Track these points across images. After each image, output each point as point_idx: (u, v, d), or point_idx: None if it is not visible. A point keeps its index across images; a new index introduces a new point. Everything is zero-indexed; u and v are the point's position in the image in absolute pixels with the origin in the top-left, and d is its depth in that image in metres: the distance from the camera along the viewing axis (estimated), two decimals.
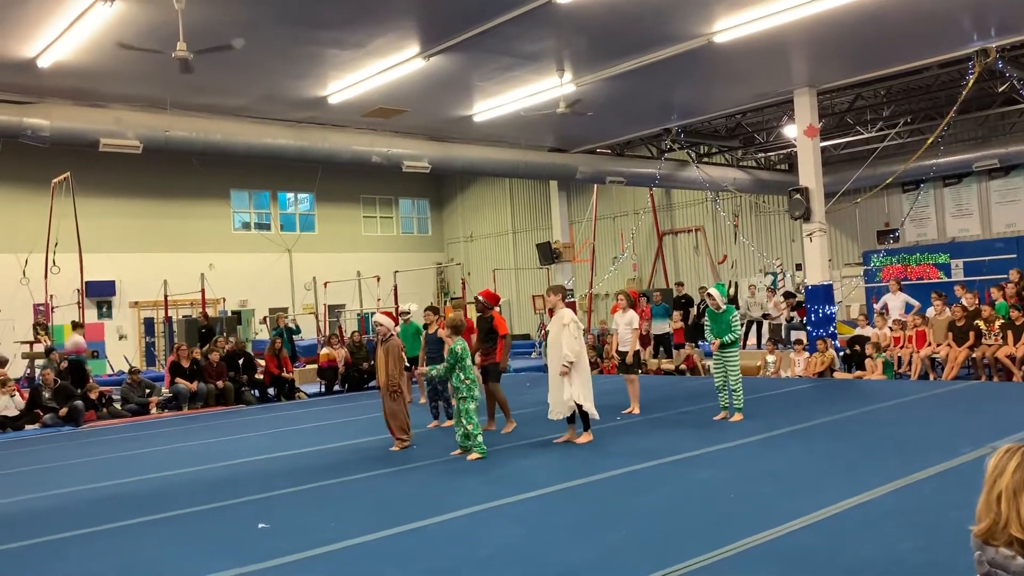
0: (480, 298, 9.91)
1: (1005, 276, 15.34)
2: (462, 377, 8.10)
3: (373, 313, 23.50)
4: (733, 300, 15.62)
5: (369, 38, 11.37)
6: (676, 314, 18.02)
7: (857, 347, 14.17)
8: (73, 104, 12.99)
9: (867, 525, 4.94)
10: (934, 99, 17.48)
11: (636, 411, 10.43)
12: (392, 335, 9.04)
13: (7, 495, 7.63)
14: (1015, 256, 18.29)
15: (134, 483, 7.93)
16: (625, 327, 10.54)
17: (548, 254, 21.76)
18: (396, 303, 22.19)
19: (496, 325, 9.63)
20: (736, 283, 22.35)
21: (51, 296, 17.80)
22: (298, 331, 18.85)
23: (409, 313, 12.90)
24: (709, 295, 9.56)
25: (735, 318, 9.41)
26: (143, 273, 23.91)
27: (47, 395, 13.54)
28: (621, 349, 10.63)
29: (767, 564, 4.34)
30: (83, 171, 18.68)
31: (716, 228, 24.80)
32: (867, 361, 13.64)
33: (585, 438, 8.44)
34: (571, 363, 8.16)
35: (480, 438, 8.04)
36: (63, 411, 13.24)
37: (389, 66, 12.50)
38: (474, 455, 7.91)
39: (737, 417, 9.35)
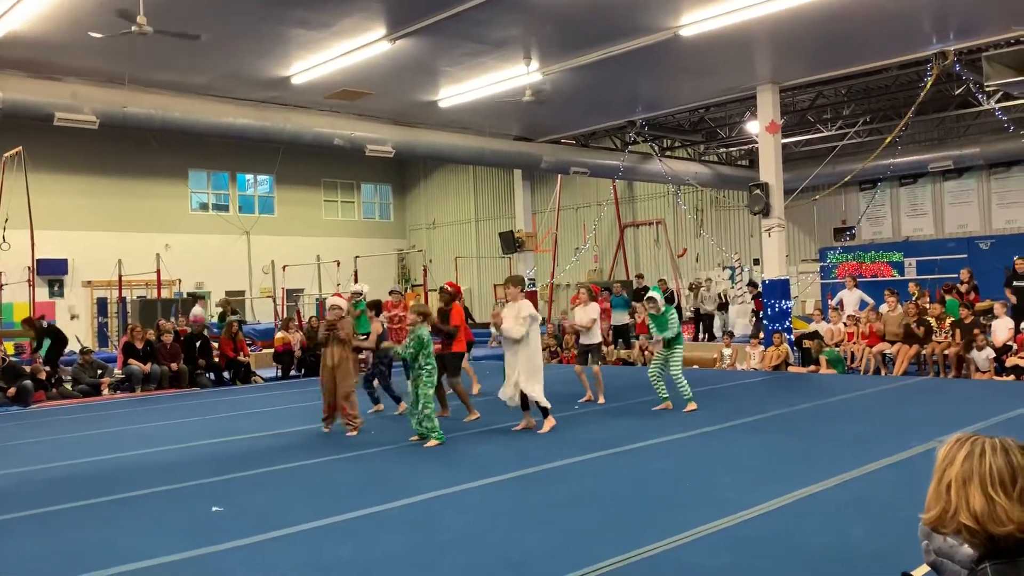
0: (448, 288, 9.91)
1: (956, 275, 15.70)
2: (422, 363, 8.08)
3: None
4: (671, 299, 15.86)
5: (335, 18, 11.23)
6: (638, 306, 18.15)
7: (807, 342, 14.45)
8: (27, 76, 12.64)
9: (820, 514, 5.03)
10: (893, 100, 17.80)
11: (601, 400, 10.49)
12: (344, 317, 9.03)
13: None
14: (966, 256, 18.74)
15: (84, 464, 7.78)
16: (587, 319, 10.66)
17: (511, 243, 21.77)
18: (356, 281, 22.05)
19: (451, 316, 9.65)
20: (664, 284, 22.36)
21: (0, 273, 17.36)
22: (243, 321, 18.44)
23: (361, 294, 12.62)
24: (651, 299, 9.67)
25: (673, 316, 9.57)
26: (97, 252, 23.39)
27: None
28: (584, 341, 10.69)
29: (722, 550, 4.40)
30: (36, 146, 18.19)
31: (677, 221, 25.02)
32: (820, 356, 13.85)
33: (548, 425, 8.44)
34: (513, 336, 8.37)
35: (436, 422, 8.03)
36: (11, 391, 12.93)
37: (354, 47, 12.37)
38: (432, 442, 7.90)
39: (690, 407, 9.47)
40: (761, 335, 15.36)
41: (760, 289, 16.89)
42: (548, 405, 8.45)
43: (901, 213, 21.72)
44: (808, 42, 13.18)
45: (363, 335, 11.12)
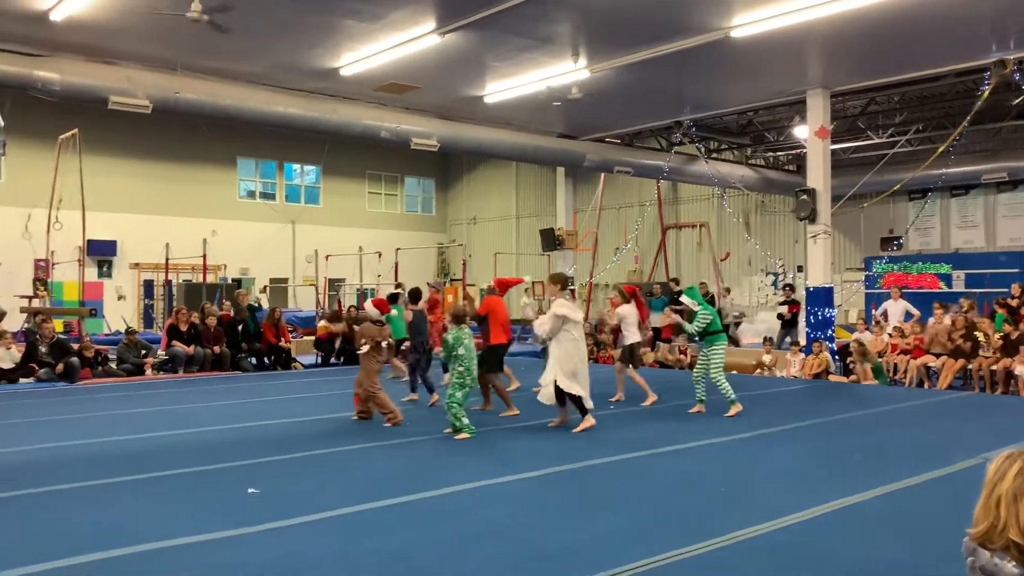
0: (491, 284, 10.03)
1: (1006, 290, 15.32)
2: (455, 366, 8.11)
3: (373, 289, 23.54)
4: (711, 302, 15.80)
5: (386, 10, 11.30)
6: (667, 309, 18.04)
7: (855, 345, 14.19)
8: (85, 59, 12.92)
9: (857, 526, 4.94)
10: (947, 108, 17.43)
11: (649, 400, 10.43)
12: (366, 320, 9.17)
13: None
14: (1017, 271, 18.24)
15: (125, 442, 7.94)
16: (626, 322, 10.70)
17: (551, 241, 21.74)
18: (396, 280, 22.20)
19: (483, 306, 9.77)
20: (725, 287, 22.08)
21: (52, 252, 17.79)
22: (260, 309, 18.16)
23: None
24: (680, 304, 9.69)
25: (703, 315, 9.45)
26: (145, 235, 23.89)
27: (43, 350, 13.54)
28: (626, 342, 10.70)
29: (757, 558, 4.34)
30: (91, 129, 18.59)
31: (721, 225, 24.76)
32: (857, 366, 13.53)
33: (584, 424, 8.38)
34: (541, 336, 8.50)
35: (465, 420, 8.02)
36: (59, 367, 13.24)
37: (404, 40, 12.44)
38: (462, 435, 7.92)
39: (733, 410, 9.37)
40: (801, 343, 15.14)
41: (795, 296, 16.63)
42: (589, 405, 8.41)
43: (951, 224, 21.25)
44: (862, 47, 12.95)
45: (399, 340, 11.26)
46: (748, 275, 24.21)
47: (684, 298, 9.75)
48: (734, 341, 18.05)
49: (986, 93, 13.68)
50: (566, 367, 8.31)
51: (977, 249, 20.50)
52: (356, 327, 9.31)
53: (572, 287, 20.19)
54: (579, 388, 8.30)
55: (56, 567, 4.17)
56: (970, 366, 12.84)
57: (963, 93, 16.19)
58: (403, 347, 11.49)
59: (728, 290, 20.49)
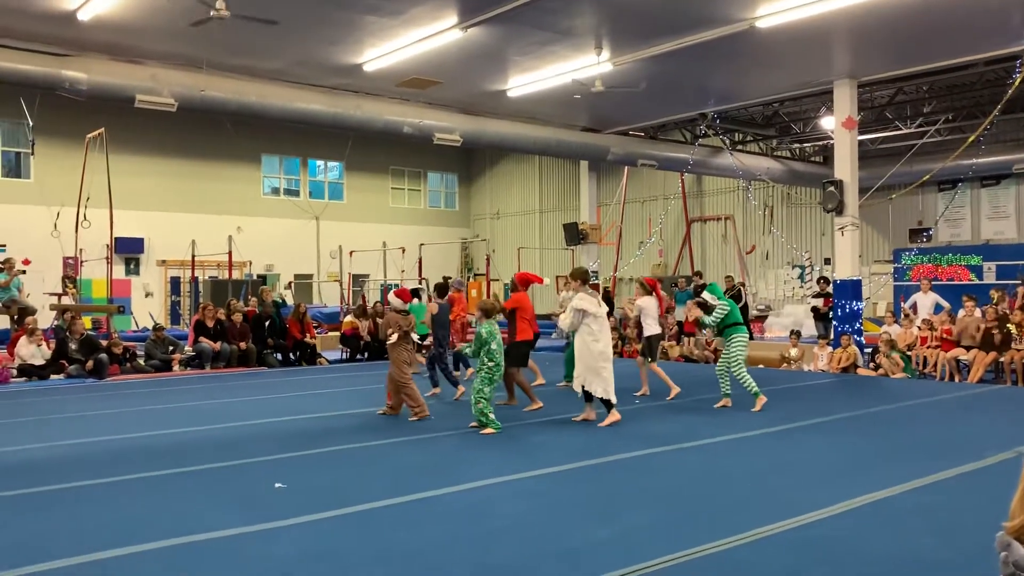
0: (513, 279, 10.05)
1: None
2: (484, 360, 8.09)
3: (396, 284, 23.60)
4: (738, 297, 15.76)
5: (407, 6, 11.29)
6: (689, 303, 17.90)
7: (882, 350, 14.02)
8: (111, 59, 13.05)
9: (887, 520, 4.87)
10: (977, 97, 17.13)
11: (673, 392, 10.37)
12: (387, 311, 9.19)
13: (27, 442, 7.73)
14: None
15: (153, 437, 8.00)
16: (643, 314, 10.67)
17: (575, 235, 21.68)
18: (420, 276, 22.24)
19: (512, 301, 9.78)
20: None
21: (81, 250, 17.99)
22: (286, 305, 18.23)
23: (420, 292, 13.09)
24: (702, 299, 9.72)
25: (720, 308, 9.44)
26: (172, 232, 24.13)
27: (73, 347, 13.70)
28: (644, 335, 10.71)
29: (785, 553, 4.29)
30: (117, 128, 18.79)
31: (746, 217, 24.55)
32: (883, 359, 13.35)
33: (609, 419, 8.33)
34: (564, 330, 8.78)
35: (492, 415, 8.01)
36: (89, 364, 13.39)
37: (426, 35, 12.43)
38: (488, 430, 7.91)
39: (758, 404, 9.26)
40: (830, 337, 14.97)
41: (829, 288, 16.43)
42: (613, 400, 8.36)
43: (982, 215, 20.93)
44: (890, 36, 12.75)
45: (422, 336, 11.26)
46: (771, 268, 23.98)
47: (706, 294, 9.74)
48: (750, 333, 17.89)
49: (1017, 81, 13.44)
50: (585, 362, 8.29)
51: (1009, 240, 20.17)
52: (380, 320, 9.36)
53: (596, 281, 20.12)
54: (598, 386, 8.26)
55: (83, 562, 4.20)
56: (1002, 359, 12.64)
57: (993, 82, 15.90)
58: (423, 343, 11.51)
59: (743, 284, 20.27)
